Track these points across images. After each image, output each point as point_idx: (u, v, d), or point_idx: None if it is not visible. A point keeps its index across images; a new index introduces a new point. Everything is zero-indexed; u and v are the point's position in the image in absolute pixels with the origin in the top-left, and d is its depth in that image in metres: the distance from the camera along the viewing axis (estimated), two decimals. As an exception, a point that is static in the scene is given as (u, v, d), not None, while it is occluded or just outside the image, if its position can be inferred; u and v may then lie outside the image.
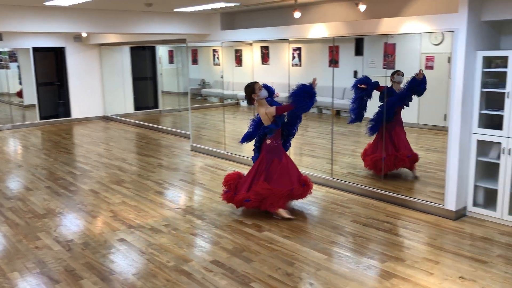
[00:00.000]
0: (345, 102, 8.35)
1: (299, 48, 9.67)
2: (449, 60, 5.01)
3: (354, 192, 5.94)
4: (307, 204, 5.59)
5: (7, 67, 12.80)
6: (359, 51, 7.75)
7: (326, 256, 4.15)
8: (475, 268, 3.88)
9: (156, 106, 13.26)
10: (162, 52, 13.61)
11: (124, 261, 4.13)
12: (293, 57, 9.44)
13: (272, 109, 4.96)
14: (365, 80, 6.29)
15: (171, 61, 14.02)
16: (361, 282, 3.67)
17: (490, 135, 4.83)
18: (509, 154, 4.67)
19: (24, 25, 6.68)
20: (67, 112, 12.36)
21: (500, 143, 4.76)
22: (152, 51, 13.14)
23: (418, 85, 5.95)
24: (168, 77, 13.65)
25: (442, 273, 3.81)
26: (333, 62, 7.33)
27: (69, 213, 5.42)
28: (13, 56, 13.26)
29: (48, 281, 3.78)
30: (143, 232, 4.78)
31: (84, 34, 11.38)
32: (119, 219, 5.15)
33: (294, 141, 7.05)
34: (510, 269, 3.86)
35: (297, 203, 5.60)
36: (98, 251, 4.34)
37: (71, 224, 5.08)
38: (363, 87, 6.23)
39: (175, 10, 7.23)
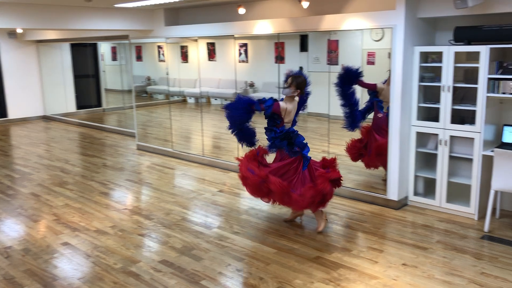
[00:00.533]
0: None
1: (245, 45, 9.69)
2: (389, 55, 5.19)
3: (302, 186, 6.04)
4: (255, 199, 5.63)
5: None
6: (304, 47, 7.88)
7: (275, 250, 4.20)
8: (416, 255, 4.06)
9: (99, 104, 12.87)
10: (104, 48, 13.21)
11: (69, 266, 3.98)
12: (240, 53, 9.46)
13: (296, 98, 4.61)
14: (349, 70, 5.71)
15: (114, 58, 13.63)
16: (309, 274, 3.75)
17: (428, 127, 5.06)
18: (446, 145, 4.92)
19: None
20: (3, 113, 11.73)
21: (437, 135, 5.00)
22: (94, 47, 12.72)
23: None
24: (111, 74, 13.27)
25: (386, 261, 3.96)
26: (279, 58, 7.41)
27: (7, 218, 5.15)
28: None
29: (-14, 291, 3.59)
30: (88, 234, 4.64)
31: (19, 30, 10.82)
32: (63, 223, 4.96)
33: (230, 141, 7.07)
34: (448, 253, 4.07)
35: (246, 199, 5.63)
36: (40, 256, 4.16)
37: (10, 229, 4.84)
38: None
39: (116, 5, 7.03)
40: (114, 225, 4.87)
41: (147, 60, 12.37)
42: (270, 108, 4.43)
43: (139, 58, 12.43)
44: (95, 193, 5.99)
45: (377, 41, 6.51)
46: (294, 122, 4.64)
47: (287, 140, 4.54)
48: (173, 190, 6.05)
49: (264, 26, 6.32)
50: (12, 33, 11.45)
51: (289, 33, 6.24)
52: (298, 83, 4.48)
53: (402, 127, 5.10)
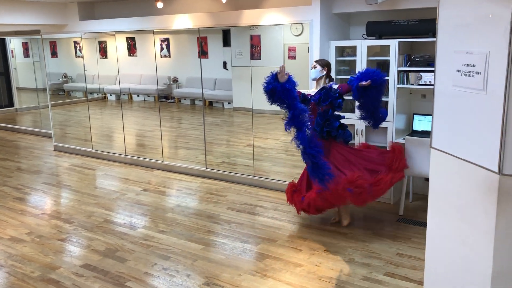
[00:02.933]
0: (217, 93, 8.49)
1: (167, 39, 9.53)
2: (308, 50, 5.36)
3: (228, 180, 6.09)
4: (182, 196, 5.59)
5: None
6: (227, 42, 7.91)
7: (202, 246, 4.21)
8: (338, 240, 4.26)
9: (11, 104, 12.04)
10: (15, 44, 12.37)
11: (-21, 278, 3.72)
12: (162, 48, 9.28)
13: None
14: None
15: (26, 54, 12.81)
16: (236, 267, 3.80)
17: (346, 118, 5.29)
18: (362, 134, 5.18)
19: None
20: None
21: (354, 125, 5.25)
22: (3, 43, 11.88)
23: None
24: (24, 71, 12.47)
25: (310, 248, 4.11)
26: (202, 53, 7.37)
27: None
28: None
29: None
30: (2, 243, 4.35)
31: None
32: (-29, 233, 4.62)
33: (167, 134, 6.98)
34: (366, 237, 4.31)
35: (172, 197, 5.58)
36: None
37: None
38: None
39: (24, -2, 6.62)
40: (31, 232, 4.62)
41: (63, 56, 11.76)
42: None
43: (54, 54, 11.78)
44: (8, 198, 5.63)
45: (297, 36, 6.69)
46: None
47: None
48: (94, 192, 5.84)
49: (184, 21, 6.25)
50: None
51: (211, 27, 6.24)
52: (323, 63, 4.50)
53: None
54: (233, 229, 4.57)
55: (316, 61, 4.55)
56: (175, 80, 9.80)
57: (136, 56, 9.99)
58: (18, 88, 12.17)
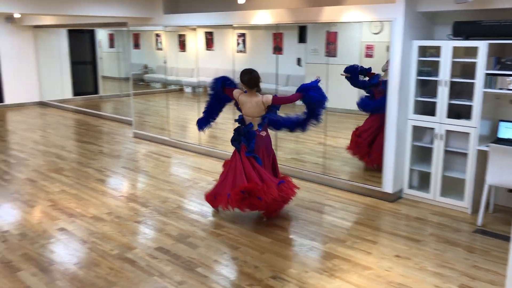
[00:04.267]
0: (289, 89, 8.48)
1: (243, 34, 9.66)
2: (387, 49, 5.20)
3: (297, 177, 6.07)
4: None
5: None
6: (302, 38, 7.86)
7: (270, 240, 4.23)
8: (409, 247, 4.11)
9: (96, 91, 12.80)
10: (102, 35, 13.11)
11: (65, 251, 4.00)
12: (238, 43, 9.42)
13: (269, 98, 4.60)
14: (350, 68, 6.07)
15: (111, 45, 13.54)
16: (304, 264, 3.79)
17: (424, 121, 5.09)
18: (441, 139, 4.95)
19: None
20: (0, 98, 11.67)
21: (433, 129, 5.03)
22: (92, 34, 12.63)
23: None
24: (108, 61, 13.19)
25: (380, 252, 4.00)
26: (277, 49, 7.39)
27: (4, 203, 5.15)
28: None
29: (-18, 275, 3.60)
30: (85, 221, 4.65)
31: (16, 15, 10.72)
32: (59, 208, 4.97)
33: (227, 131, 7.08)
34: (440, 246, 4.12)
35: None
36: (36, 241, 4.17)
37: (7, 214, 4.84)
38: (346, 75, 6.04)
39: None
40: (111, 212, 4.89)
41: (145, 48, 12.30)
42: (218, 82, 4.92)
43: (136, 46, 12.36)
44: (91, 179, 5.99)
45: (376, 34, 6.51)
46: (261, 121, 4.69)
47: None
48: (169, 178, 6.06)
49: (263, 16, 6.30)
50: (9, 18, 11.35)
51: (288, 24, 6.23)
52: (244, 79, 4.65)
53: (399, 120, 5.12)
54: (301, 226, 4.56)
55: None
56: (249, 75, 9.90)
57: (213, 50, 10.21)
58: (103, 77, 12.90)
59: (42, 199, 5.26)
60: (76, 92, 12.49)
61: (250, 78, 4.62)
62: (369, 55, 6.66)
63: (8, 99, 11.73)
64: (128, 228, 4.49)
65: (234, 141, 4.74)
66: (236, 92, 4.75)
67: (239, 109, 4.79)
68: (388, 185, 5.24)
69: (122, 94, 11.99)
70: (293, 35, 7.91)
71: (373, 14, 5.13)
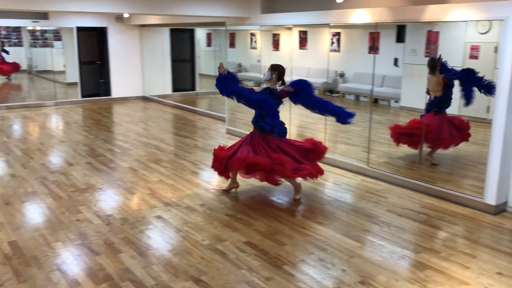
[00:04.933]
0: (384, 90, 8.20)
1: (338, 34, 9.52)
2: (495, 50, 4.82)
3: (390, 181, 5.85)
4: (341, 191, 5.56)
5: (51, 46, 13.15)
6: (400, 38, 7.56)
7: (359, 244, 4.13)
8: (513, 264, 3.78)
9: (193, 88, 13.39)
10: (200, 34, 13.67)
11: (161, 238, 4.23)
12: (332, 43, 9.31)
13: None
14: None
15: (209, 44, 14.06)
16: (394, 272, 3.64)
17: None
18: (556, 149, 4.49)
19: (70, 4, 6.84)
20: (107, 91, 12.65)
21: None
22: (191, 33, 13.21)
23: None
24: (205, 59, 13.71)
25: (479, 267, 3.73)
26: (373, 48, 7.17)
27: (109, 189, 5.58)
28: (57, 34, 13.59)
29: (89, 253, 3.93)
30: (179, 210, 4.88)
31: (125, 15, 11.54)
32: (156, 197, 5.27)
33: (329, 128, 6.99)
34: (551, 267, 3.74)
35: (331, 190, 5.59)
36: (136, 226, 4.47)
37: (111, 199, 5.24)
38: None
39: (216, -8, 7.23)
40: (203, 203, 5.08)
41: (240, 47, 12.62)
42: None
43: (232, 45, 12.72)
44: (186, 171, 6.28)
45: (483, 34, 6.06)
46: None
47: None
48: (259, 175, 6.16)
49: (361, 15, 6.14)
50: (119, 18, 12.25)
51: (387, 23, 6.01)
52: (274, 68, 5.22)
53: (507, 127, 4.72)
54: (392, 233, 4.39)
55: (271, 65, 5.24)
56: (342, 75, 9.75)
57: (306, 49, 10.19)
58: (200, 74, 13.45)
59: (142, 187, 5.61)
60: (175, 88, 13.16)
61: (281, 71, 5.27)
62: (474, 57, 6.21)
63: (115, 93, 12.68)
64: (219, 220, 4.63)
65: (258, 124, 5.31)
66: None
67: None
68: (491, 196, 4.86)
69: (216, 91, 12.40)
70: (390, 34, 7.63)
71: (482, 13, 4.77)
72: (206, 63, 13.68)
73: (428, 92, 6.18)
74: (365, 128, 6.50)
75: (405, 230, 4.45)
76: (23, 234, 4.27)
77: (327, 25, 6.92)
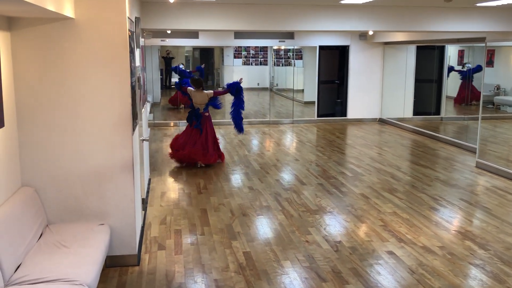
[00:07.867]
0: None
1: None
2: None
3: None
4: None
5: (292, 65, 14.46)
6: None
7: None
8: None
9: (437, 112, 12.80)
10: (450, 52, 13.01)
11: (392, 276, 4.16)
12: None
13: (211, 93, 8.11)
14: None
15: (460, 63, 13.27)
16: None
17: None
18: None
19: (317, 24, 7.42)
20: (343, 112, 13.16)
21: None
22: (441, 51, 12.70)
23: None
24: (454, 80, 12.97)
25: None
26: None
27: (339, 214, 5.77)
28: (298, 53, 14.87)
29: (316, 277, 4.13)
30: (414, 249, 4.71)
31: (370, 32, 11.86)
32: (389, 230, 5.21)
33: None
34: None
35: None
36: (365, 258, 4.50)
37: (340, 225, 5.41)
38: None
39: (478, 4, 6.80)
40: (443, 246, 4.79)
41: (499, 66, 11.53)
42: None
43: (489, 63, 11.71)
44: (424, 206, 6.02)
45: None
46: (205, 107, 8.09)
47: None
48: (516, 222, 5.48)
49: None
50: (363, 35, 12.67)
51: None
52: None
53: None
54: None
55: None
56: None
57: None
58: (446, 97, 12.78)
59: (374, 217, 5.62)
60: (416, 111, 12.81)
61: (197, 82, 8.13)
62: None
63: (351, 114, 13.10)
64: (461, 269, 4.29)
65: (189, 118, 8.20)
66: (188, 90, 8.24)
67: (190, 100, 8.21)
68: None
69: (466, 117, 11.58)
70: None
71: None
72: (455, 84, 12.93)
73: None
74: None
75: None
76: (255, 247, 4.77)
77: None
